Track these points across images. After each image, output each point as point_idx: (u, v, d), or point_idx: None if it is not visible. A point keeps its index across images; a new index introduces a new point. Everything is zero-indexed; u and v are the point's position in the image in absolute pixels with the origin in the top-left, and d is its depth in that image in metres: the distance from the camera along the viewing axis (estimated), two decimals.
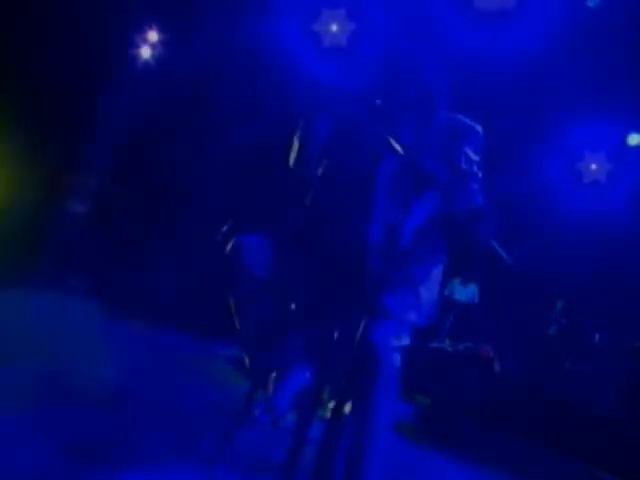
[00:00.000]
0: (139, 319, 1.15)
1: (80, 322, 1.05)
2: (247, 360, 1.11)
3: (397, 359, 1.03)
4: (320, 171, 1.22)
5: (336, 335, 0.99)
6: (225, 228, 1.12)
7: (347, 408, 0.93)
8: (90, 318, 1.06)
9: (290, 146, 1.21)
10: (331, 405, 0.92)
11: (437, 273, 1.05)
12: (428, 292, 1.04)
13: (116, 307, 1.13)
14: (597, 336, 3.65)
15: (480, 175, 1.14)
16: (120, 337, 1.09)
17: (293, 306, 1.12)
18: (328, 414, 0.91)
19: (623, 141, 4.27)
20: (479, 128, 1.17)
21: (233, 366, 1.24)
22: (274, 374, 0.96)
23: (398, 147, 1.12)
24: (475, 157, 1.15)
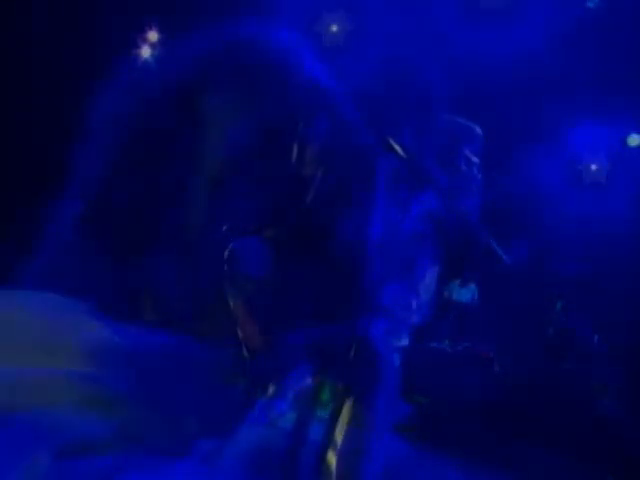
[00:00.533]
0: (136, 319, 1.15)
1: (75, 322, 1.04)
2: (247, 360, 1.11)
3: (397, 359, 1.03)
4: (320, 171, 1.22)
5: (336, 335, 0.99)
6: (224, 228, 1.12)
7: (347, 408, 0.93)
8: (85, 318, 1.06)
9: (290, 146, 1.21)
10: (331, 405, 0.92)
11: (435, 273, 1.06)
12: (426, 292, 1.04)
13: (112, 307, 1.13)
14: (596, 337, 3.66)
15: (480, 176, 1.15)
16: (117, 336, 1.08)
17: (293, 306, 1.12)
18: (328, 414, 0.91)
19: (623, 142, 4.27)
20: (479, 130, 1.17)
21: (233, 366, 1.23)
22: (274, 374, 0.96)
23: (398, 148, 1.12)
24: (475, 158, 1.15)
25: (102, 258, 1.20)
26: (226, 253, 1.11)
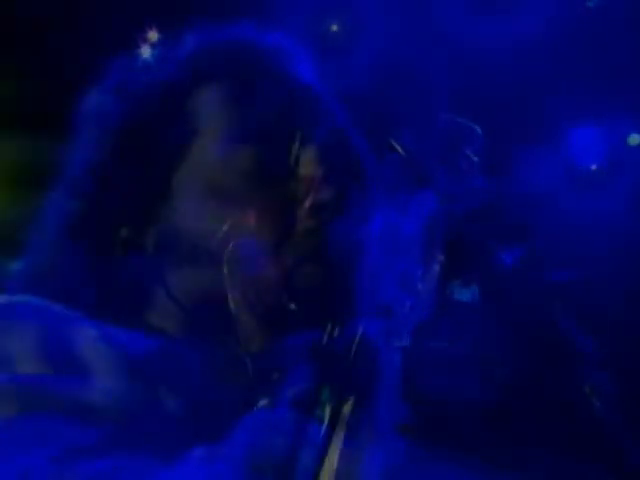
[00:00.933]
0: (128, 322, 1.12)
1: (63, 327, 1.02)
2: (247, 360, 1.11)
3: (397, 359, 1.03)
4: (319, 173, 1.22)
5: (335, 335, 0.99)
6: (224, 229, 1.11)
7: (347, 409, 0.93)
8: (73, 323, 1.03)
9: (288, 147, 1.21)
10: (331, 405, 0.92)
11: (436, 273, 1.06)
12: (426, 292, 1.04)
13: (101, 310, 1.10)
14: (591, 340, 3.64)
15: (480, 176, 1.15)
16: (107, 341, 1.06)
17: (293, 306, 1.12)
18: (327, 414, 0.91)
19: (623, 141, 4.27)
20: (479, 129, 1.17)
21: (232, 367, 1.23)
22: (274, 375, 0.96)
23: (398, 148, 1.12)
24: (475, 158, 1.15)
25: (91, 259, 1.19)
26: (226, 253, 1.11)
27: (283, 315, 1.11)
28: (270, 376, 0.95)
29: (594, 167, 4.37)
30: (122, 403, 0.94)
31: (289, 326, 1.05)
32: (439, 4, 3.60)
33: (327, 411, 0.91)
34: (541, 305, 1.09)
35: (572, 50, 3.75)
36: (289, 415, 0.89)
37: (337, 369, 0.95)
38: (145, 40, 1.34)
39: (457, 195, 1.09)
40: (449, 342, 1.07)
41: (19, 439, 0.83)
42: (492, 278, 1.08)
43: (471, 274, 1.10)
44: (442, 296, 1.07)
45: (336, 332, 0.97)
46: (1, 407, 0.86)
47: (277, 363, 0.98)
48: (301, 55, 1.35)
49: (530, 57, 3.66)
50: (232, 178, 1.17)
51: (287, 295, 1.13)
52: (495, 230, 1.08)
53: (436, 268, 1.07)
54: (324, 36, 3.89)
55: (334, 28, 4.01)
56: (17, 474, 0.79)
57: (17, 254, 1.26)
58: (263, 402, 0.91)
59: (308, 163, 1.21)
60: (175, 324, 1.15)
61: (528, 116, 3.88)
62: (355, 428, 0.92)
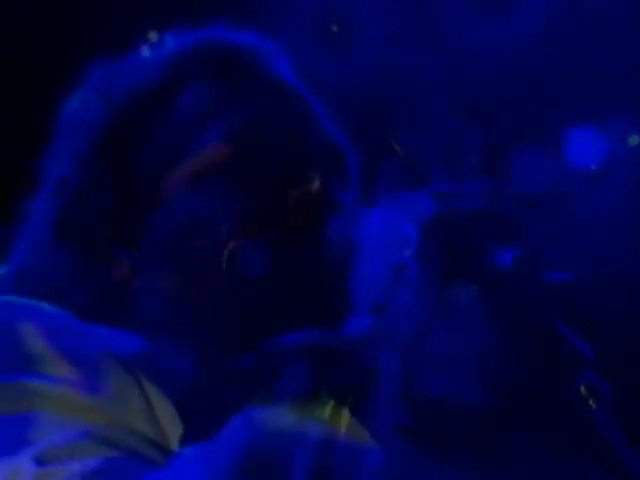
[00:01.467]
0: (116, 323, 1.11)
1: (52, 328, 1.01)
2: (245, 360, 1.10)
3: (395, 359, 1.02)
4: (309, 171, 1.22)
5: (334, 334, 0.99)
6: (222, 229, 1.11)
7: (345, 409, 0.92)
8: (62, 323, 1.02)
9: (274, 147, 1.21)
10: (329, 405, 0.91)
11: (435, 273, 1.06)
12: (426, 292, 1.04)
13: (89, 311, 1.09)
14: (586, 344, 3.62)
15: (480, 177, 1.15)
16: (96, 341, 1.05)
17: (290, 305, 1.12)
18: (326, 414, 0.91)
19: (623, 141, 4.27)
20: (478, 129, 1.17)
21: (230, 366, 1.23)
22: (270, 376, 0.95)
23: (398, 148, 1.12)
24: (474, 158, 1.15)
25: (80, 260, 1.18)
26: (221, 253, 1.10)
27: (280, 314, 1.11)
28: (268, 376, 0.94)
29: (594, 167, 4.36)
30: (117, 403, 0.93)
31: (286, 325, 1.05)
32: (439, 4, 3.61)
33: (326, 411, 0.91)
34: (540, 306, 1.08)
35: (572, 50, 3.75)
36: (287, 415, 0.89)
37: (335, 369, 0.95)
38: (132, 42, 1.35)
39: (457, 195, 1.09)
40: (448, 342, 1.06)
41: (8, 438, 0.82)
42: (491, 278, 1.07)
43: (470, 274, 1.09)
44: (441, 296, 1.07)
45: (334, 331, 0.97)
46: (1, 404, 0.86)
47: (275, 363, 0.98)
48: (279, 55, 1.36)
49: (530, 57, 3.66)
50: (220, 178, 1.17)
51: (284, 294, 1.13)
52: (495, 230, 1.08)
53: (435, 268, 1.07)
54: (324, 36, 3.89)
55: (334, 28, 4.01)
56: (5, 473, 0.78)
57: (5, 255, 1.26)
58: (261, 402, 0.90)
59: (295, 162, 1.21)
60: (169, 324, 1.14)
61: (528, 116, 3.88)
62: (354, 428, 0.92)
